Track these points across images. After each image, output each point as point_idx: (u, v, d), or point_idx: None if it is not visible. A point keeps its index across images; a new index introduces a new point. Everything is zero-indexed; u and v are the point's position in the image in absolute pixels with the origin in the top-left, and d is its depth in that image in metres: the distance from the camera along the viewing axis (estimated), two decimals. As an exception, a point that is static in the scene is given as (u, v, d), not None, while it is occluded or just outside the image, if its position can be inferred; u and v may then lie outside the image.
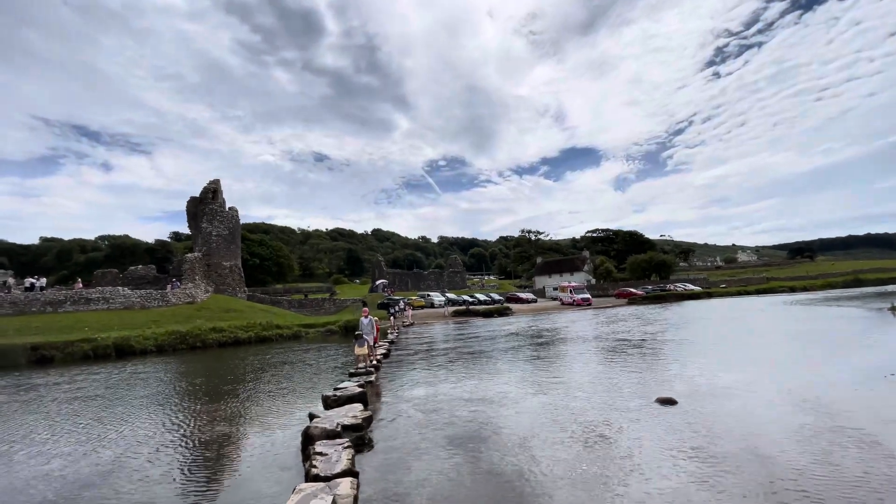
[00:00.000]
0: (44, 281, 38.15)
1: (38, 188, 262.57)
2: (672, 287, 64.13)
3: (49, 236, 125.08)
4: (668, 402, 9.03)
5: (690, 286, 65.79)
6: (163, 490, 6.14)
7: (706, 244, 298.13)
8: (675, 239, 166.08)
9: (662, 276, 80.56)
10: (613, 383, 11.26)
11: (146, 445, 8.13)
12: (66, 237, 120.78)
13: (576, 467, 6.11)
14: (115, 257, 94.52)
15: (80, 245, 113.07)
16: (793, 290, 62.47)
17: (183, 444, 8.18)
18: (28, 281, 37.38)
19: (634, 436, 7.26)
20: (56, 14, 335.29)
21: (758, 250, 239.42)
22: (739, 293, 60.02)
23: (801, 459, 6.07)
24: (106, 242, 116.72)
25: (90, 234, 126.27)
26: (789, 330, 21.74)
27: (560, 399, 9.92)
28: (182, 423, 9.55)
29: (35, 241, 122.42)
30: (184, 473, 6.74)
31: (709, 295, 57.77)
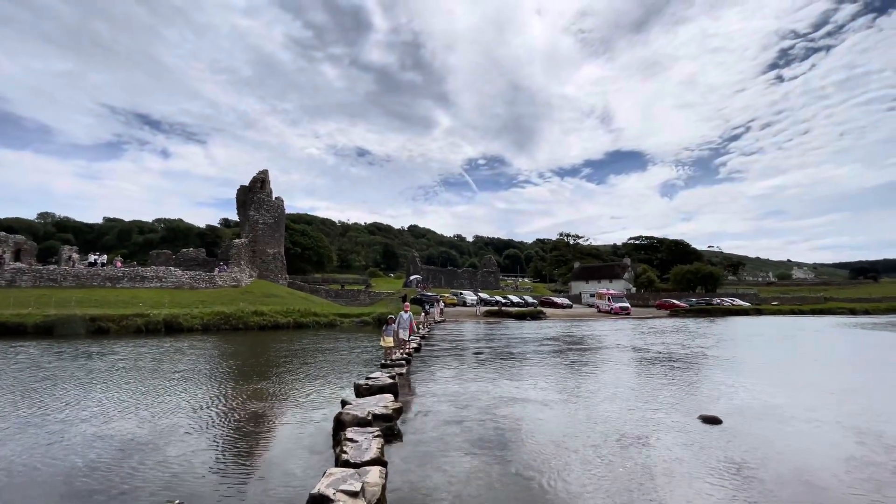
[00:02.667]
0: (105, 258, 41.12)
1: (104, 171, 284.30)
2: (718, 301, 60.81)
3: (111, 217, 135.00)
4: (713, 420, 8.49)
5: (739, 301, 62.12)
6: (196, 465, 6.39)
7: (758, 258, 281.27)
8: (724, 251, 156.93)
9: (708, 289, 76.57)
10: (653, 397, 10.74)
11: (185, 419, 8.54)
12: (127, 218, 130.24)
13: (609, 480, 5.84)
14: (169, 239, 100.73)
15: (138, 226, 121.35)
16: (853, 312, 57.61)
17: (221, 421, 8.52)
18: (91, 257, 40.44)
19: (674, 453, 6.87)
20: (124, 7, 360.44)
21: (815, 268, 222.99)
22: (793, 312, 56.09)
23: (854, 492, 5.53)
24: (162, 225, 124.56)
25: (148, 217, 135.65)
26: (849, 354, 20.03)
27: (595, 408, 9.57)
28: (221, 401, 9.97)
29: (99, 220, 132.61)
30: (218, 451, 7.00)
31: (758, 312, 54.35)
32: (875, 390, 12.21)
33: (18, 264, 35.33)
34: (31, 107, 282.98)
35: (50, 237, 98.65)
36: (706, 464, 6.44)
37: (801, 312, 56.02)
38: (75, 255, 42.90)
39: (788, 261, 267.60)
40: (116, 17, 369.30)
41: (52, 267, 34.56)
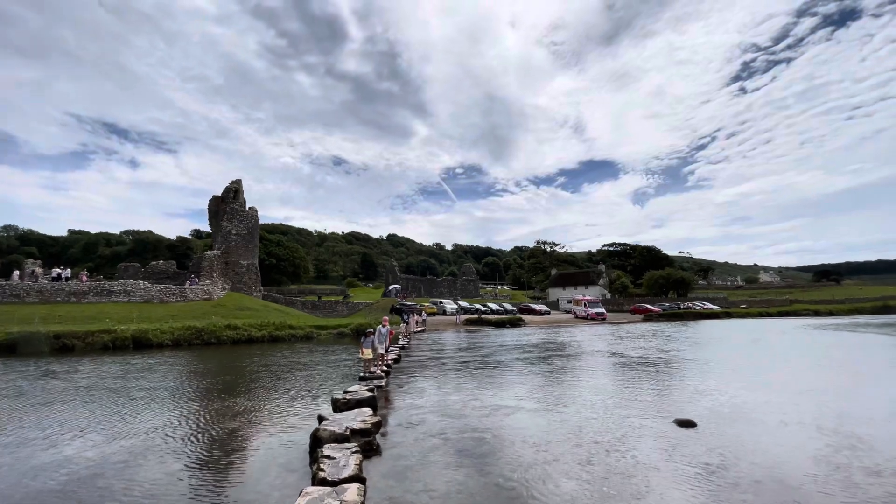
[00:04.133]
0: (69, 272, 39.27)
1: (69, 182, 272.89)
2: (690, 305, 62.64)
3: (77, 229, 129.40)
4: (687, 423, 8.69)
5: (709, 305, 64.15)
6: (168, 487, 6.12)
7: (727, 263, 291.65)
8: (694, 256, 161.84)
9: (680, 294, 78.88)
10: (629, 401, 10.93)
11: (155, 440, 8.17)
12: (94, 230, 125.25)
13: (588, 487, 5.89)
14: (138, 252, 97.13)
15: (105, 238, 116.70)
16: (817, 313, 60.31)
17: (191, 440, 8.19)
18: (55, 271, 38.53)
19: (651, 457, 6.99)
20: (92, 14, 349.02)
21: (781, 271, 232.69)
22: (760, 314, 58.29)
23: (825, 491, 5.74)
24: (130, 237, 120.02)
25: (116, 229, 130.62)
26: (815, 355, 20.91)
27: (573, 415, 9.66)
28: (192, 419, 9.59)
29: (63, 233, 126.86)
30: (190, 471, 6.72)
31: (728, 315, 56.24)
32: (841, 390, 12.74)
33: (-28, 280, 33.32)
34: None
35: (13, 251, 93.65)
36: (682, 467, 6.57)
37: (769, 315, 58.27)
38: (39, 270, 40.77)
39: (755, 265, 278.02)
40: (84, 25, 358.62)
41: (14, 282, 32.76)
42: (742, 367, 16.75)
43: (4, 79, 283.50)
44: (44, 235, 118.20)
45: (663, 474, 6.32)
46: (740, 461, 6.81)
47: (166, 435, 8.40)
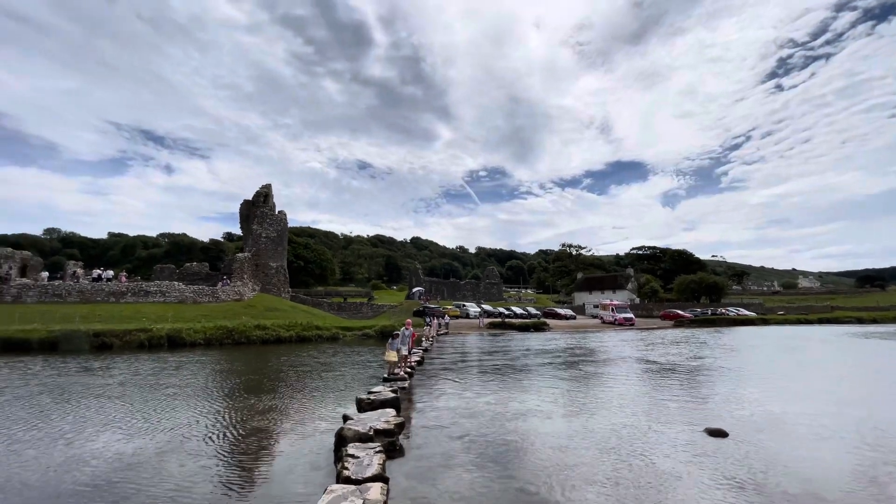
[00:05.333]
0: (110, 273, 41.33)
1: (108, 187, 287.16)
2: (723, 311, 60.34)
3: (116, 232, 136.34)
4: (719, 433, 8.38)
5: (744, 311, 61.61)
6: (198, 481, 6.36)
7: (762, 267, 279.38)
8: (728, 260, 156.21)
9: (713, 299, 76.03)
10: (658, 409, 10.63)
11: (185, 435, 8.50)
12: (132, 233, 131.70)
13: (612, 495, 5.76)
14: (173, 253, 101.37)
15: (143, 241, 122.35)
16: (861, 321, 56.95)
17: (221, 436, 8.48)
18: (95, 272, 40.63)
19: (680, 467, 6.78)
20: (129, 25, 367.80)
21: (821, 276, 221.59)
22: (799, 321, 55.56)
23: (875, 510, 5.43)
24: (166, 239, 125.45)
25: (152, 232, 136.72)
26: (857, 364, 19.77)
27: (599, 421, 9.47)
28: (222, 416, 9.93)
29: (104, 235, 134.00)
30: (219, 466, 6.96)
31: (764, 321, 53.84)
32: (884, 402, 12.03)
33: (24, 280, 35.53)
34: (37, 124, 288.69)
35: (56, 252, 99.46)
36: (712, 478, 6.34)
37: (808, 322, 55.47)
38: (80, 271, 43.11)
39: (793, 270, 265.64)
40: (122, 36, 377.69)
41: (56, 282, 34.76)
42: (778, 376, 16.01)
43: (47, 88, 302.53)
44: (85, 238, 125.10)
45: (692, 484, 6.12)
46: (774, 473, 6.52)
47: (196, 431, 8.73)
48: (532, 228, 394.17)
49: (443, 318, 38.99)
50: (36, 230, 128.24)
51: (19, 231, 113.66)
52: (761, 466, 6.81)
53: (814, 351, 25.47)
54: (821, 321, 56.32)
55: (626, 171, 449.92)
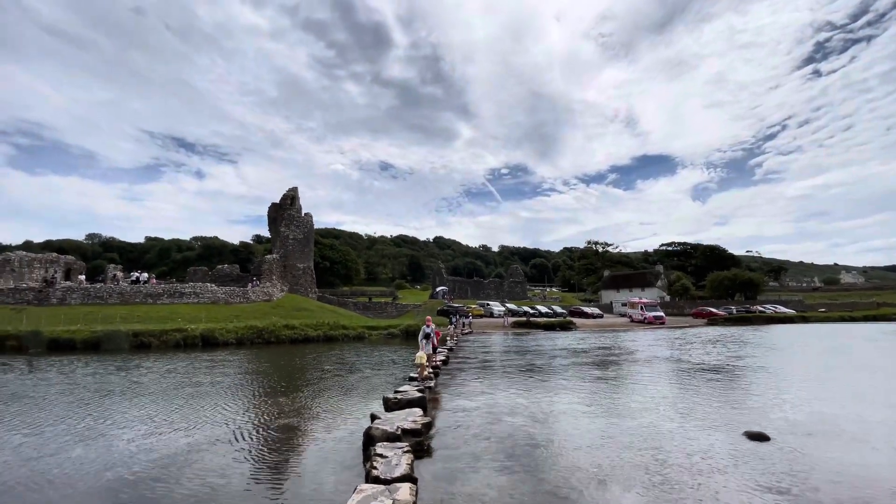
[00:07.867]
0: (146, 275, 43.14)
1: (144, 193, 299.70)
2: (760, 308, 57.91)
3: (153, 236, 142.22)
4: (760, 437, 8.00)
5: (782, 308, 59.01)
6: (229, 479, 6.51)
7: (801, 262, 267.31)
8: (763, 255, 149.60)
9: (748, 297, 73.10)
10: (694, 411, 10.25)
11: (216, 433, 8.74)
12: (167, 237, 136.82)
13: (645, 500, 5.56)
14: (205, 256, 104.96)
15: (177, 244, 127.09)
16: (911, 318, 53.62)
17: (252, 434, 8.68)
18: (133, 275, 42.51)
19: (718, 473, 6.48)
20: (159, 37, 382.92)
21: (865, 271, 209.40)
22: (843, 318, 52.76)
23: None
24: (198, 243, 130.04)
25: (186, 235, 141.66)
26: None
27: (632, 424, 9.20)
28: (253, 414, 10.17)
29: (141, 239, 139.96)
30: (250, 464, 7.12)
31: (804, 319, 51.42)
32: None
33: (68, 283, 37.55)
34: (77, 134, 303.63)
35: (97, 256, 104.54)
36: (752, 484, 6.04)
37: (852, 319, 52.61)
38: (119, 274, 45.22)
39: (835, 264, 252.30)
40: (152, 47, 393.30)
41: (98, 285, 36.57)
42: (823, 377, 15.21)
43: (85, 99, 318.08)
44: (123, 242, 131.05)
45: (731, 490, 5.84)
46: (820, 480, 6.16)
47: (227, 429, 8.96)
48: (556, 226, 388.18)
49: (467, 317, 38.89)
50: (79, 235, 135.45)
51: (63, 237, 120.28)
52: (806, 472, 6.44)
53: (860, 350, 24.09)
54: (866, 318, 53.31)
55: (654, 164, 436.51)
